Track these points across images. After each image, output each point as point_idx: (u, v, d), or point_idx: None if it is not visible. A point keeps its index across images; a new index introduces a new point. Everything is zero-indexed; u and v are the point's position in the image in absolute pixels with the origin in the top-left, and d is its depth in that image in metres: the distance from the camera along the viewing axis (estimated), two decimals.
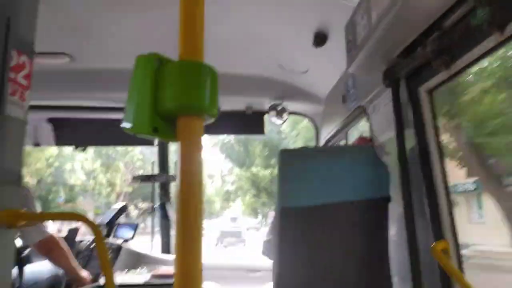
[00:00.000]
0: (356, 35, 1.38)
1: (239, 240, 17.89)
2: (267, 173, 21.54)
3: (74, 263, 2.10)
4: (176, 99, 0.49)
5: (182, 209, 0.47)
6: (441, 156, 1.34)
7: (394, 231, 1.53)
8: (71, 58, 2.39)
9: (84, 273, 2.17)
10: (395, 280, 1.45)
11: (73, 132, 2.99)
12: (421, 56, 1.16)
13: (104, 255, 0.96)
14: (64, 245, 2.03)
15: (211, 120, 0.52)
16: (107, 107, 2.91)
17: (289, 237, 1.45)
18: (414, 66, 1.26)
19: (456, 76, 1.16)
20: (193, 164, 0.48)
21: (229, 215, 27.41)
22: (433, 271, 1.29)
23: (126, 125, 0.50)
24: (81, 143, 3.08)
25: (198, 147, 0.49)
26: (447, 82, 1.24)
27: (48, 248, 1.96)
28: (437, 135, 1.35)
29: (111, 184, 19.86)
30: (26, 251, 2.31)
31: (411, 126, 1.40)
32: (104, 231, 3.01)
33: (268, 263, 2.46)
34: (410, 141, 1.41)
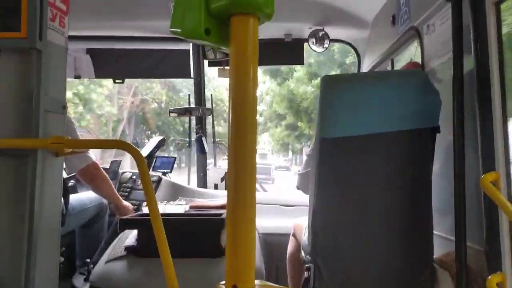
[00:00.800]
0: None
1: (268, 178, 17.03)
2: (309, 90, 16.21)
3: (115, 192, 2.20)
4: None
5: (236, 127, 0.44)
6: (503, 82, 1.22)
7: (439, 164, 1.46)
8: None
9: (126, 203, 2.28)
10: (436, 215, 1.41)
11: (112, 63, 3.00)
12: None
13: (148, 182, 0.98)
14: (104, 174, 2.11)
15: (266, 21, 0.46)
16: (145, 37, 2.87)
17: (328, 170, 1.42)
18: None
19: None
20: (248, 70, 0.43)
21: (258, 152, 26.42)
22: (478, 206, 1.24)
23: (175, 29, 0.45)
24: (119, 75, 3.10)
25: (253, 51, 0.44)
26: None
27: (91, 175, 2.04)
28: (501, 57, 1.22)
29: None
30: (71, 182, 2.46)
31: (469, 49, 1.26)
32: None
33: (301, 199, 2.49)
34: (466, 65, 1.28)
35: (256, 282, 0.45)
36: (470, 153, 1.27)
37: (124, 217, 1.71)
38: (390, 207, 1.39)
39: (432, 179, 1.41)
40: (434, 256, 1.43)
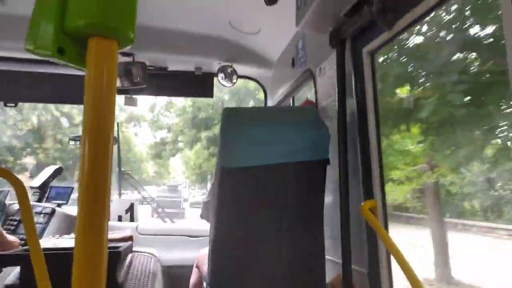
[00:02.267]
0: None
1: (178, 212, 15.85)
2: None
3: None
4: (87, 16, 0.42)
5: (89, 158, 0.42)
6: (377, 120, 1.39)
7: (329, 194, 1.59)
8: (2, 2, 2.15)
9: (11, 237, 2.05)
10: (327, 241, 1.51)
11: (3, 86, 2.73)
12: (366, 14, 1.17)
13: (28, 215, 0.90)
14: None
15: (126, 46, 0.46)
16: (39, 60, 2.68)
17: (227, 197, 1.45)
18: (359, 26, 1.26)
19: (398, 36, 1.18)
20: (103, 96, 0.42)
21: (168, 183, 23.34)
22: (362, 231, 1.36)
23: (28, 45, 0.44)
24: (12, 99, 2.83)
25: (110, 75, 0.43)
26: (389, 43, 1.26)
27: None
28: (375, 98, 1.39)
29: None
30: None
31: (352, 91, 1.43)
32: (37, 195, 2.86)
33: (207, 228, 2.48)
34: (351, 106, 1.44)
35: None
36: (354, 183, 1.41)
37: (6, 252, 1.52)
38: (285, 233, 1.45)
39: (324, 207, 1.52)
40: (326, 280, 1.51)
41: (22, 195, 0.93)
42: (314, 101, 1.87)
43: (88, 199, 0.41)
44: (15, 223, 2.48)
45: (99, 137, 0.42)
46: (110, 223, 2.70)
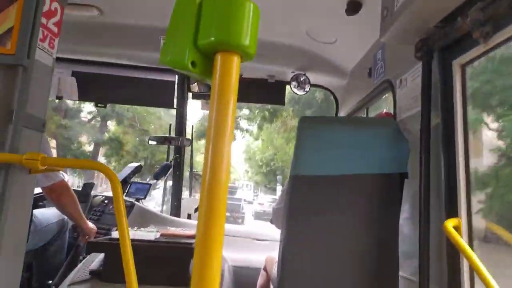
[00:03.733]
0: (394, 1, 1.33)
1: (236, 216, 15.08)
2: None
3: (81, 213, 2.14)
4: (217, 34, 0.48)
5: (212, 159, 0.46)
6: (466, 135, 1.31)
7: (406, 209, 1.52)
8: (100, 12, 2.39)
9: (91, 224, 2.22)
10: (401, 257, 1.45)
11: (96, 88, 3.01)
12: (460, 26, 1.11)
13: (120, 206, 0.98)
14: (73, 193, 2.06)
15: (248, 60, 0.51)
16: (131, 65, 2.92)
17: (299, 205, 1.45)
18: (451, 38, 1.21)
19: (494, 49, 1.11)
20: (227, 103, 0.47)
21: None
22: (441, 250, 1.29)
23: (164, 58, 0.50)
24: (102, 100, 3.11)
25: (233, 86, 0.48)
26: (482, 56, 1.19)
27: (59, 193, 1.98)
28: (465, 113, 1.32)
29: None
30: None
31: (437, 103, 1.36)
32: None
33: (274, 233, 2.49)
34: (433, 119, 1.38)
35: None
36: (435, 199, 1.34)
37: (93, 239, 1.67)
38: (357, 247, 1.43)
39: (400, 223, 1.46)
40: None
41: (116, 188, 1.02)
42: (391, 113, 1.82)
43: (209, 194, 0.45)
44: (99, 214, 2.71)
45: (222, 140, 0.46)
46: (180, 220, 2.84)
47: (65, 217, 2.26)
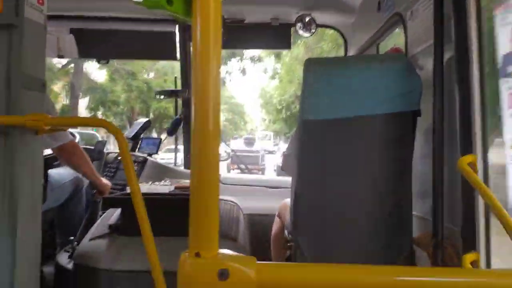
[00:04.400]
0: None
1: (257, 169, 14.08)
2: None
3: (93, 170, 2.15)
4: None
5: (199, 105, 0.44)
6: (482, 68, 1.24)
7: (419, 147, 1.49)
8: None
9: (105, 180, 2.24)
10: (415, 196, 1.45)
11: (96, 43, 2.94)
12: None
13: (128, 162, 0.98)
14: (83, 152, 2.06)
15: None
16: (130, 18, 2.82)
17: (310, 150, 1.43)
18: None
19: None
20: (210, 44, 0.43)
21: (245, 136, 20.37)
22: (456, 188, 1.27)
23: None
24: (104, 56, 3.04)
25: (215, 24, 0.44)
26: None
27: (69, 153, 1.97)
28: (480, 46, 1.24)
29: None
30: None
31: (450, 37, 1.28)
32: (130, 145, 3.11)
33: (287, 180, 2.52)
34: (447, 52, 1.30)
35: (220, 250, 0.45)
36: (450, 137, 1.30)
37: (108, 195, 1.70)
38: (370, 188, 1.42)
39: (413, 162, 1.45)
40: (413, 236, 1.47)
41: (123, 145, 1.01)
42: (402, 48, 1.73)
43: (200, 146, 0.44)
44: (113, 170, 2.75)
45: (209, 83, 0.43)
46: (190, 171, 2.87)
47: (80, 175, 2.30)
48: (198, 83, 0.44)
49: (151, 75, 18.35)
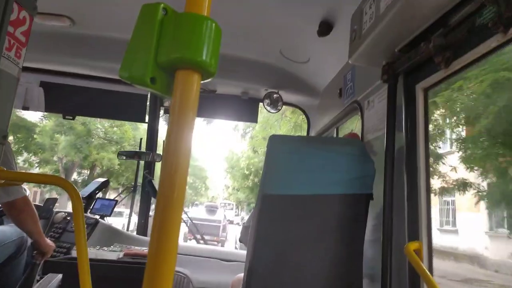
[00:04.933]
0: (362, 25, 1.37)
1: (217, 240, 13.21)
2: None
3: (40, 229, 2.04)
4: (177, 51, 0.48)
5: (167, 175, 0.46)
6: (427, 158, 1.35)
7: (370, 230, 1.54)
8: (72, 22, 2.35)
9: (49, 241, 2.11)
10: (365, 279, 1.46)
11: (64, 99, 2.93)
12: (423, 51, 1.16)
13: (80, 223, 0.95)
14: (34, 210, 1.96)
15: (208, 79, 0.51)
16: (101, 77, 2.87)
17: (267, 223, 1.45)
18: (414, 62, 1.26)
19: (454, 75, 1.16)
20: (186, 120, 0.47)
21: (206, 203, 19.03)
22: (403, 271, 1.31)
23: (123, 73, 0.49)
24: (71, 112, 3.02)
25: (193, 103, 0.48)
26: (444, 81, 1.24)
27: (19, 209, 1.88)
28: (426, 136, 1.36)
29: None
30: None
31: (401, 126, 1.41)
32: (83, 205, 2.96)
33: (242, 253, 2.46)
34: (399, 141, 1.42)
35: None
36: (399, 221, 1.36)
37: (51, 259, 1.59)
38: (323, 267, 1.42)
39: (364, 245, 1.48)
40: None
41: (78, 206, 0.98)
42: (358, 134, 1.86)
43: (164, 211, 0.45)
44: (60, 231, 2.59)
45: (179, 155, 0.46)
46: (146, 238, 2.76)
47: (25, 235, 2.15)
48: (170, 153, 0.46)
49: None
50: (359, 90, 1.91)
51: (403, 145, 1.40)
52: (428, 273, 1.09)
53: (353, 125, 2.13)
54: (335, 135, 2.51)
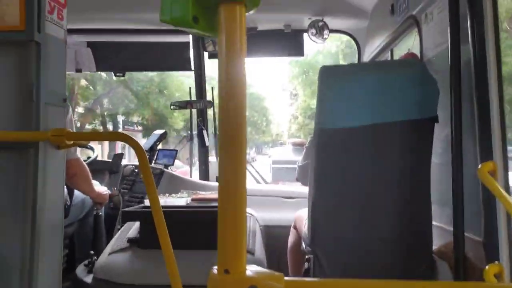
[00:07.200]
0: None
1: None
2: None
3: (91, 187, 2.10)
4: None
5: (225, 118, 0.45)
6: (500, 70, 1.22)
7: (437, 154, 1.47)
8: None
9: (100, 189, 2.20)
10: (434, 206, 1.42)
11: (113, 56, 3.00)
12: None
13: (148, 175, 0.99)
14: (86, 172, 2.02)
15: (253, 9, 0.47)
16: (145, 29, 2.87)
17: (327, 160, 1.42)
18: None
19: None
20: (236, 57, 0.44)
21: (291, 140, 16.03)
22: (476, 196, 1.24)
23: (164, 17, 0.46)
24: (120, 68, 3.10)
25: (240, 38, 0.45)
26: None
27: (72, 172, 1.90)
28: (497, 46, 1.21)
29: None
30: None
31: (466, 38, 1.27)
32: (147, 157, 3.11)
33: (302, 190, 2.50)
34: (465, 55, 1.28)
35: (248, 267, 0.46)
36: (468, 143, 1.28)
37: (127, 209, 1.72)
38: (389, 198, 1.40)
39: (431, 170, 1.42)
40: (433, 247, 1.44)
41: (143, 159, 1.02)
42: (417, 53, 1.71)
43: (227, 157, 0.44)
44: (131, 183, 2.78)
45: (235, 97, 0.44)
46: (209, 183, 2.89)
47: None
48: (225, 92, 0.45)
49: None
50: (414, 3, 1.73)
51: (470, 59, 1.27)
52: (506, 194, 1.03)
53: (409, 44, 1.96)
54: (389, 58, 2.35)
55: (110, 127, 15.92)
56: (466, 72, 1.28)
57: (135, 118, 16.81)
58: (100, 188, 2.25)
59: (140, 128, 16.82)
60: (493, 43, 1.20)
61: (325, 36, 2.77)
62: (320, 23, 2.73)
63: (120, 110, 15.98)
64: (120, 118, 16.89)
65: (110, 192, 2.32)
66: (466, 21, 1.26)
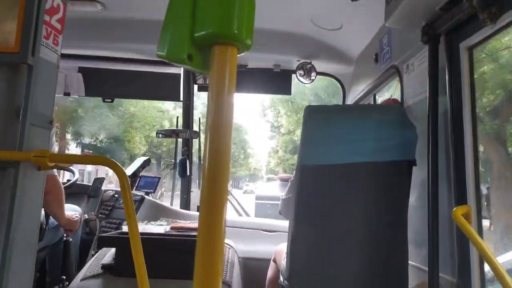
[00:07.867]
0: None
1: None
2: None
3: (63, 211, 1.98)
4: (213, 25, 0.47)
5: (210, 151, 0.47)
6: (474, 120, 1.29)
7: (415, 196, 1.51)
8: (103, 6, 2.38)
9: (69, 213, 2.08)
10: (411, 246, 1.44)
11: (102, 83, 3.02)
12: (466, 8, 1.09)
13: (129, 200, 0.99)
14: (60, 193, 1.91)
15: (244, 52, 0.51)
16: (137, 59, 2.93)
17: (307, 195, 1.45)
18: (457, 20, 1.18)
19: (500, 32, 1.09)
20: (225, 95, 0.47)
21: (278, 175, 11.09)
22: (451, 238, 1.28)
23: (160, 52, 0.49)
24: (109, 95, 3.12)
25: (230, 77, 0.48)
26: (490, 38, 1.16)
27: (46, 189, 1.80)
28: (473, 98, 1.29)
29: None
30: None
31: (444, 89, 1.34)
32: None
33: (283, 224, 2.50)
34: (441, 104, 1.36)
35: None
36: (444, 187, 1.33)
37: (103, 235, 1.69)
38: (366, 236, 1.42)
39: (408, 211, 1.45)
40: (409, 286, 1.45)
41: (125, 185, 1.02)
42: (398, 99, 1.79)
43: (209, 190, 0.46)
44: (109, 208, 2.73)
45: (221, 132, 0.46)
46: (190, 212, 2.86)
47: (79, 215, 2.26)
48: (212, 126, 0.47)
49: None
50: (396, 54, 1.83)
51: (446, 108, 1.34)
52: (479, 237, 1.06)
53: (391, 91, 2.06)
54: (372, 102, 2.44)
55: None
56: (443, 120, 1.35)
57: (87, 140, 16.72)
58: (70, 213, 2.17)
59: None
60: (469, 95, 1.28)
61: (312, 77, 2.87)
62: (308, 66, 2.84)
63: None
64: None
65: (80, 218, 2.25)
66: (444, 73, 1.34)
